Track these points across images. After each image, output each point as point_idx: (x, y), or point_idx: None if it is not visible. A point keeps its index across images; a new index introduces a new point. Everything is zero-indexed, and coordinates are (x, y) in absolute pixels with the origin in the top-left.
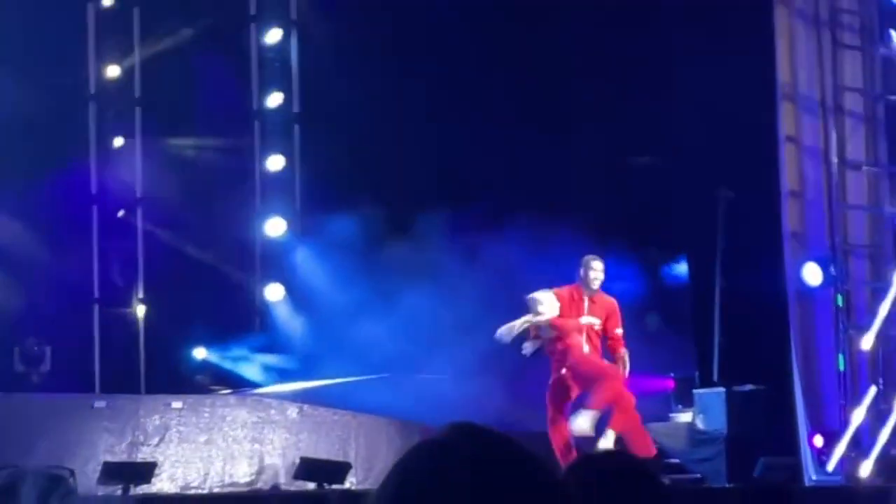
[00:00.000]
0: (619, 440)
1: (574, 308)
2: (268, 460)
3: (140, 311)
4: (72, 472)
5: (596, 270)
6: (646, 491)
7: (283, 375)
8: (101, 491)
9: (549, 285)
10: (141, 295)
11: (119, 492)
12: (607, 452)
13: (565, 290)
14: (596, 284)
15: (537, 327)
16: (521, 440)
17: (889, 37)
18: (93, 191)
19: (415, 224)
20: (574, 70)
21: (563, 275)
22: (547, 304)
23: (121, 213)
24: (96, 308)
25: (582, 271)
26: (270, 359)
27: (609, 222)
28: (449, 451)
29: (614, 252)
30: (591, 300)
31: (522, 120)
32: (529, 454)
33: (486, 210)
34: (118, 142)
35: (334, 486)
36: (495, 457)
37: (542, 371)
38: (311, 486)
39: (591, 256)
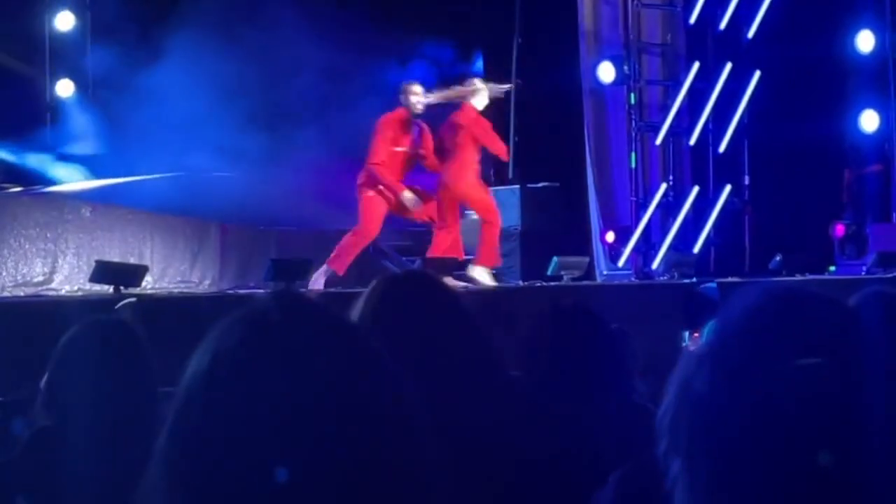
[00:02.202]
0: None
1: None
2: (62, 260)
3: None
4: None
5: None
6: (435, 299)
7: (75, 173)
8: None
9: (336, 81)
10: None
11: None
12: (406, 273)
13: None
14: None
15: None
16: (318, 238)
17: None
18: None
19: (198, 11)
20: None
21: (346, 67)
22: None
23: None
24: None
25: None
26: (62, 156)
27: (398, 14)
28: (264, 320)
29: (403, 46)
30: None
31: None
32: (348, 323)
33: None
34: None
35: (131, 289)
36: (312, 326)
37: (337, 170)
38: (108, 288)
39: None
